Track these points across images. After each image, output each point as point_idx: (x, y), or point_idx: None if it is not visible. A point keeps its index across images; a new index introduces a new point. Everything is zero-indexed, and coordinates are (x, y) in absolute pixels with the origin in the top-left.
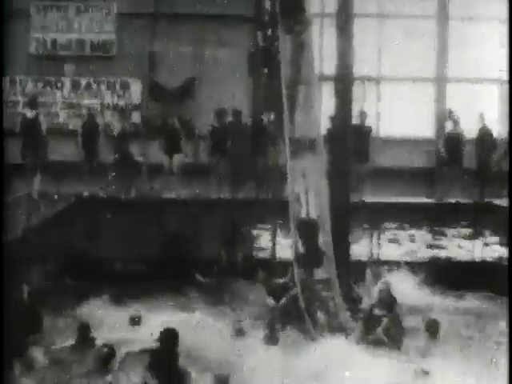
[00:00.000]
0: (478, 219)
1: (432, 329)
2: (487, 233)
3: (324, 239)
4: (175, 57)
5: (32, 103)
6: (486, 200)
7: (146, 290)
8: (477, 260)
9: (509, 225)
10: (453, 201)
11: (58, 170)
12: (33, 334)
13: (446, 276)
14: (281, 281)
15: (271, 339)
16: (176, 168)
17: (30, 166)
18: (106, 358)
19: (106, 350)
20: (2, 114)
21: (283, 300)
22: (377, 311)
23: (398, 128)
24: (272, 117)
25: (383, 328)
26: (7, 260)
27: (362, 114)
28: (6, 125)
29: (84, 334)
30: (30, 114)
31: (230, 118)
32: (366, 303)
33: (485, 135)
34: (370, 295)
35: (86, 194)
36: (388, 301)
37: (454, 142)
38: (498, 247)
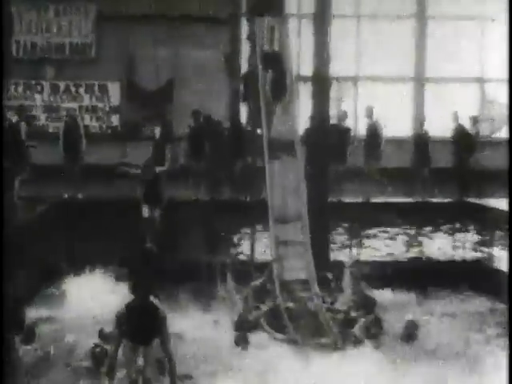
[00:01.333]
0: (457, 218)
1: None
2: (468, 232)
3: (303, 240)
4: (154, 59)
5: (18, 109)
6: (464, 199)
7: None
8: (457, 260)
9: (509, 225)
10: (432, 200)
11: (38, 173)
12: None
13: (427, 276)
14: (258, 282)
15: (242, 341)
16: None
17: (11, 169)
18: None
19: (98, 350)
20: (2, 114)
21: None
22: (355, 312)
23: None
24: (249, 117)
25: (360, 327)
26: None
27: (342, 114)
28: None
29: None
30: (14, 119)
31: (207, 120)
32: (343, 303)
33: (461, 134)
34: (347, 295)
35: (65, 196)
36: (367, 302)
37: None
38: (478, 246)
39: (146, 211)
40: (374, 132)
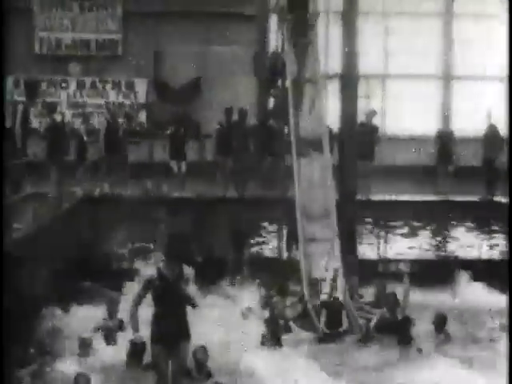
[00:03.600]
0: (483, 217)
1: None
2: (493, 231)
3: (330, 237)
4: (180, 56)
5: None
6: (492, 198)
7: None
8: (483, 257)
9: (508, 223)
10: (458, 199)
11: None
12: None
13: (453, 273)
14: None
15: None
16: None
17: (48, 165)
18: None
19: None
20: (3, 114)
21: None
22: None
23: (403, 126)
24: (276, 113)
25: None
26: (11, 259)
27: (370, 112)
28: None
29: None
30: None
31: (236, 117)
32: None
33: (491, 132)
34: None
35: (96, 193)
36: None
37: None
38: (503, 245)
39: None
40: (491, 133)
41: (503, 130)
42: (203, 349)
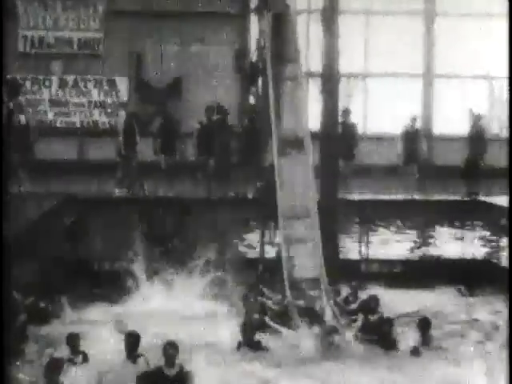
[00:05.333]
0: (466, 216)
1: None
2: (476, 230)
3: (312, 237)
4: (162, 55)
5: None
6: (475, 197)
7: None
8: (467, 257)
9: (509, 224)
10: (441, 198)
11: (48, 169)
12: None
13: (436, 273)
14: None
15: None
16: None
17: (19, 165)
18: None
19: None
20: (2, 114)
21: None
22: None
23: (384, 125)
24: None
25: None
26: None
27: (345, 112)
28: None
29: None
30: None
31: (216, 116)
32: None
33: (475, 131)
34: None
35: (77, 191)
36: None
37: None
38: (486, 244)
39: None
40: (349, 132)
41: (487, 128)
42: (173, 344)
